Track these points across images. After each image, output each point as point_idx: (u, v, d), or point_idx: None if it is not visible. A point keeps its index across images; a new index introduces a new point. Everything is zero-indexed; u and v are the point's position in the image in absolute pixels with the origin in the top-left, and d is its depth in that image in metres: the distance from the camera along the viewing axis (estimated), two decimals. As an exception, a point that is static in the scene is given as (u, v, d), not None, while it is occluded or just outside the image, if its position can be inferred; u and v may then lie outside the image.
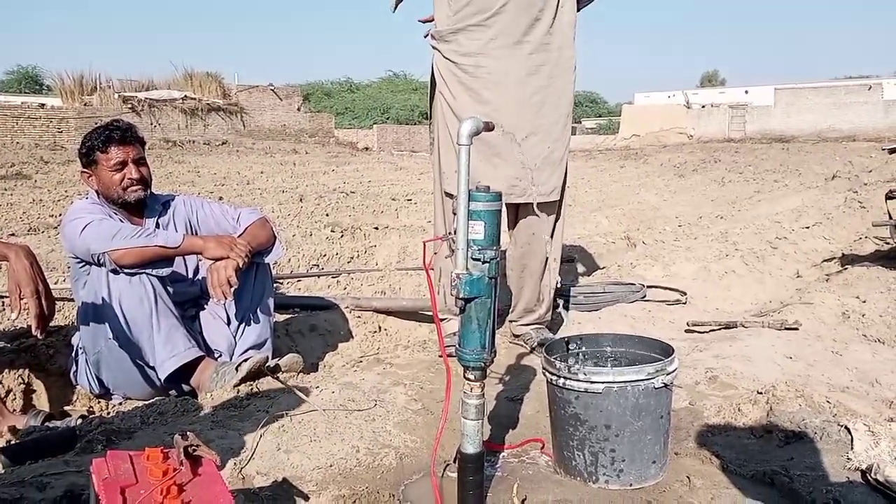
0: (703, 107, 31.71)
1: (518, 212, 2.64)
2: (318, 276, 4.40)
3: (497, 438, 2.00)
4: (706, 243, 5.01)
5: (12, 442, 1.99)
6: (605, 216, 7.05)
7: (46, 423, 2.19)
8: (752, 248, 4.78)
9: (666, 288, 3.64)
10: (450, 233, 1.66)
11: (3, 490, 1.65)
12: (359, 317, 3.55)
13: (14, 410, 2.40)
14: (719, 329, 3.00)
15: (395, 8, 2.63)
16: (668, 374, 1.72)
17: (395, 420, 2.12)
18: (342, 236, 6.04)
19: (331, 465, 1.81)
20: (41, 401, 2.60)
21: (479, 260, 1.58)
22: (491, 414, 2.15)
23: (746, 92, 33.91)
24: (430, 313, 3.47)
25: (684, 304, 3.44)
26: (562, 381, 1.73)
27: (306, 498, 1.64)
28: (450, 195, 2.56)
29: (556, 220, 2.72)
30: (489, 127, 1.73)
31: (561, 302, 2.88)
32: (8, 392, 2.57)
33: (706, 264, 4.25)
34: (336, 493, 1.66)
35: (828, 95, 29.42)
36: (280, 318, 3.29)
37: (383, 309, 3.65)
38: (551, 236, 2.71)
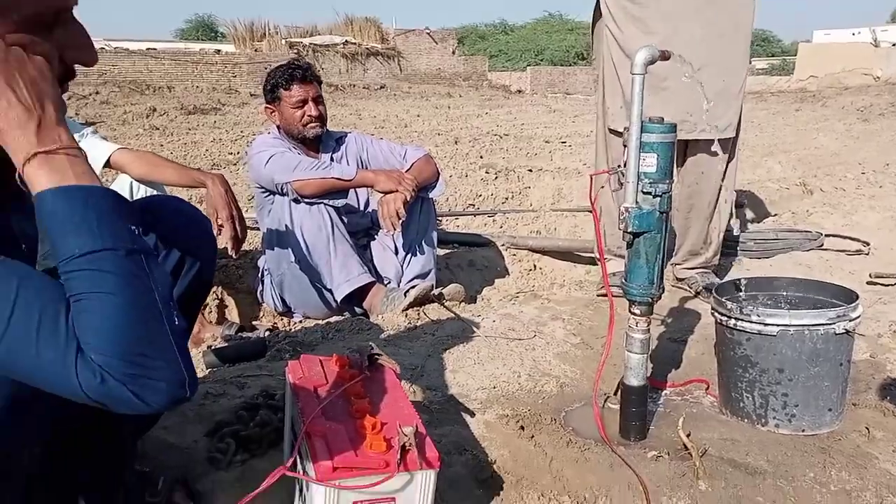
0: (894, 45, 28.37)
1: (687, 149, 2.54)
2: (475, 215, 4.48)
3: (659, 377, 2.00)
4: (893, 192, 4.57)
5: (215, 346, 2.23)
6: (778, 161, 6.59)
7: (239, 334, 2.44)
8: (948, 199, 4.31)
9: (846, 237, 3.38)
10: (619, 165, 1.64)
11: (209, 386, 1.88)
12: (514, 255, 3.61)
13: (211, 322, 2.69)
14: (907, 282, 2.77)
15: None
16: (850, 321, 1.62)
17: (554, 351, 2.17)
18: (496, 178, 6.08)
19: (494, 387, 1.89)
20: (232, 315, 2.89)
21: (649, 193, 1.56)
22: (653, 353, 2.13)
23: (948, 27, 29.90)
24: (586, 254, 3.46)
25: (867, 254, 3.19)
26: (732, 321, 1.69)
27: (472, 414, 1.73)
28: (614, 132, 2.51)
29: (730, 160, 2.60)
30: (665, 56, 1.67)
31: (730, 246, 2.77)
32: (204, 306, 2.87)
33: (893, 214, 3.89)
34: (500, 413, 1.74)
35: None
36: (440, 252, 3.41)
37: (539, 248, 3.67)
38: (723, 176, 2.59)
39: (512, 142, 8.59)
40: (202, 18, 44.51)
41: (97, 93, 11.59)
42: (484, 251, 3.58)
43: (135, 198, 2.26)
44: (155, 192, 2.27)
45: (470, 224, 4.25)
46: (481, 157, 7.26)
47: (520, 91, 21.72)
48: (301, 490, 1.25)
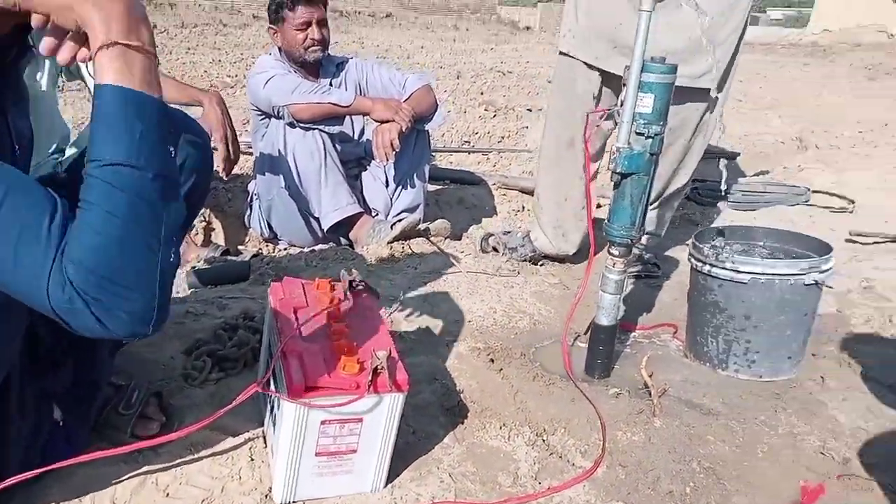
0: (915, 1, 27.71)
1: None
2: (470, 153, 4.48)
3: (630, 319, 2.06)
4: (887, 153, 4.57)
5: (199, 267, 2.28)
6: (779, 115, 6.54)
7: (223, 257, 2.48)
8: (941, 163, 4.32)
9: (832, 194, 3.41)
10: (615, 105, 1.64)
11: (191, 305, 1.94)
12: (504, 195, 3.63)
13: (197, 243, 2.72)
14: (884, 242, 2.81)
15: None
16: (821, 273, 1.67)
17: (532, 290, 2.22)
18: (495, 115, 6.04)
19: (470, 321, 1.95)
20: (218, 238, 2.92)
21: (642, 134, 1.56)
22: (627, 297, 2.19)
23: (972, -14, 29.15)
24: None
25: (851, 212, 3.23)
26: (707, 267, 1.74)
27: (446, 345, 1.79)
28: (565, 55, 2.21)
29: (703, 117, 2.17)
30: None
31: (716, 196, 2.76)
32: (191, 228, 2.91)
33: (883, 174, 3.91)
34: (472, 345, 1.80)
35: None
36: (431, 188, 3.43)
37: (529, 189, 3.68)
38: (690, 137, 2.19)
39: (515, 80, 8.48)
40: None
41: (95, 5, 11.33)
42: (475, 189, 3.60)
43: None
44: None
45: (464, 161, 4.26)
46: (482, 94, 7.18)
47: (528, 28, 21.27)
48: (272, 409, 1.31)
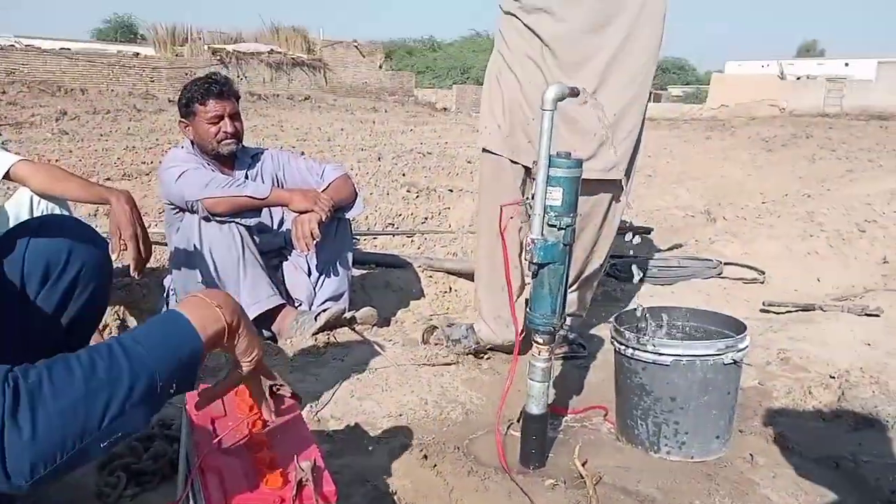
0: (799, 79, 30.17)
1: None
2: (394, 235, 4.49)
3: (561, 403, 2.05)
4: (790, 222, 4.84)
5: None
6: (686, 188, 6.90)
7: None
8: (838, 230, 4.59)
9: (744, 266, 3.57)
10: (527, 198, 1.69)
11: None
12: (430, 276, 3.63)
13: (111, 343, 2.59)
14: (796, 311, 2.94)
15: None
16: (738, 351, 1.72)
17: (463, 377, 2.19)
18: (417, 196, 6.12)
19: (400, 415, 1.89)
20: (135, 336, 2.79)
21: (555, 226, 1.61)
22: (557, 379, 2.19)
23: (846, 64, 32.06)
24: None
25: (762, 283, 3.37)
26: (630, 351, 1.76)
27: (377, 443, 1.73)
28: (488, 151, 2.25)
29: (610, 206, 2.24)
30: (574, 92, 1.72)
31: (633, 273, 2.82)
32: (105, 327, 2.76)
33: (788, 244, 4.13)
34: (404, 441, 1.75)
35: (937, 71, 27.50)
36: (356, 273, 3.40)
37: (455, 270, 3.71)
38: (600, 225, 2.26)
39: (435, 160, 8.66)
40: (121, 19, 43.05)
41: (3, 93, 11.05)
42: (401, 272, 3.58)
43: (35, 213, 2.16)
44: (56, 207, 2.18)
45: (388, 244, 4.26)
46: (403, 175, 7.29)
47: (445, 109, 21.92)
48: (193, 527, 1.22)
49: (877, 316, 2.86)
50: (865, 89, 28.34)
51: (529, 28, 2.13)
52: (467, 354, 2.36)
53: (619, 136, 2.14)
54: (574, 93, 1.71)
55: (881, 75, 28.45)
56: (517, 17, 2.16)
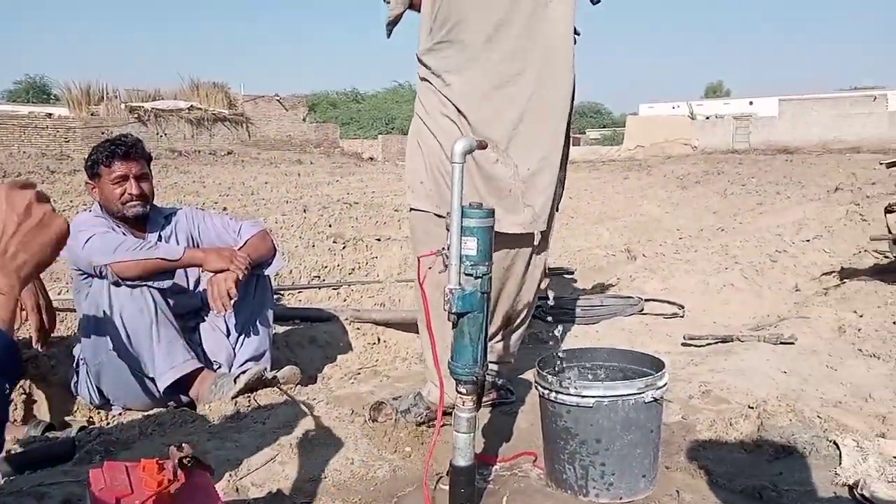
0: (708, 118, 31.76)
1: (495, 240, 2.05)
2: (319, 288, 4.43)
3: (490, 451, 2.02)
4: (706, 256, 5.03)
5: (13, 452, 2.01)
6: (607, 228, 7.08)
7: (46, 434, 2.22)
8: (751, 262, 4.80)
9: (664, 301, 3.66)
10: (443, 248, 1.69)
11: (1, 500, 1.69)
12: (358, 328, 3.58)
13: (15, 421, 2.43)
14: (715, 343, 3.02)
15: (389, 34, 2.41)
16: (658, 389, 1.74)
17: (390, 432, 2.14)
18: (344, 247, 6.08)
19: (325, 477, 1.83)
20: (42, 411, 2.63)
21: (471, 275, 1.62)
22: (485, 427, 2.17)
23: (751, 103, 33.99)
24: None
25: (682, 317, 3.46)
26: (553, 394, 1.76)
27: (300, 509, 1.66)
28: (415, 209, 2.25)
29: (532, 257, 2.24)
30: (482, 145, 1.75)
31: (558, 314, 2.86)
32: (9, 403, 2.60)
33: (705, 277, 4.27)
34: (329, 505, 1.68)
35: (832, 107, 29.48)
36: (280, 329, 3.32)
37: (382, 321, 3.67)
38: (522, 275, 2.25)
39: (362, 210, 8.65)
40: (33, 79, 41.99)
41: None
42: (326, 326, 3.52)
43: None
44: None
45: (314, 298, 4.19)
46: (330, 226, 7.24)
47: (371, 159, 22.05)
48: None
49: (791, 343, 2.97)
50: (770, 125, 30.08)
51: (440, 91, 2.16)
52: (420, 424, 2.18)
53: (536, 191, 2.15)
54: (482, 145, 1.74)
55: (783, 111, 30.26)
56: (429, 82, 2.20)
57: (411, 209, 2.26)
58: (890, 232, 4.42)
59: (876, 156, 18.40)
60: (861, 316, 3.38)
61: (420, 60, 2.23)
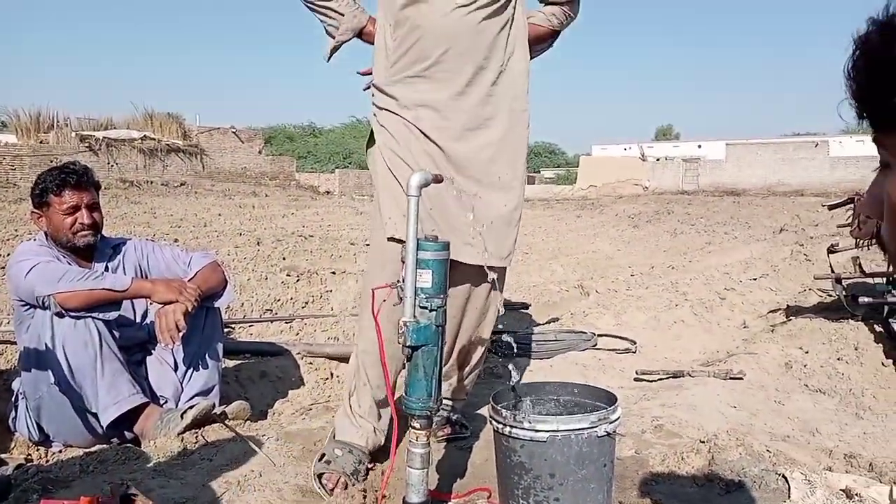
0: (658, 160, 32.61)
1: (455, 275, 2.07)
2: (271, 322, 4.36)
3: (444, 487, 2.00)
4: (657, 293, 5.12)
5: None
6: (561, 264, 7.16)
7: (-21, 472, 2.11)
8: (701, 299, 4.90)
9: (616, 336, 3.70)
10: (398, 281, 1.69)
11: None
12: (311, 363, 3.52)
13: (-54, 458, 2.31)
14: (667, 378, 3.06)
15: (329, 57, 2.40)
16: (610, 423, 1.74)
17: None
18: (298, 280, 6.00)
19: (274, 516, 1.78)
20: (-24, 448, 2.51)
21: (426, 308, 1.62)
22: (439, 462, 2.15)
23: (699, 146, 34.99)
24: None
25: (634, 352, 3.50)
26: (507, 429, 1.74)
27: (246, 549, 1.61)
28: (396, 240, 2.18)
29: (490, 293, 2.26)
30: (438, 179, 1.77)
31: (514, 349, 2.86)
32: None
33: (656, 313, 4.34)
34: (277, 545, 1.63)
35: (777, 151, 30.59)
36: (230, 363, 3.25)
37: (336, 355, 3.62)
38: (480, 310, 2.29)
39: (318, 243, 8.58)
40: (-21, 105, 40.87)
41: None
42: (278, 360, 3.46)
43: None
44: None
45: (265, 332, 4.12)
46: (284, 259, 7.15)
47: (328, 192, 21.99)
48: None
49: (740, 378, 3.03)
50: (718, 168, 31.02)
51: (412, 123, 2.16)
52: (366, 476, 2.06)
53: (508, 228, 2.23)
54: (438, 179, 1.75)
55: (730, 155, 31.27)
56: (394, 112, 2.19)
57: (388, 239, 2.18)
58: (833, 271, 4.57)
59: (818, 198, 19.13)
60: (807, 352, 3.47)
61: (381, 90, 2.23)
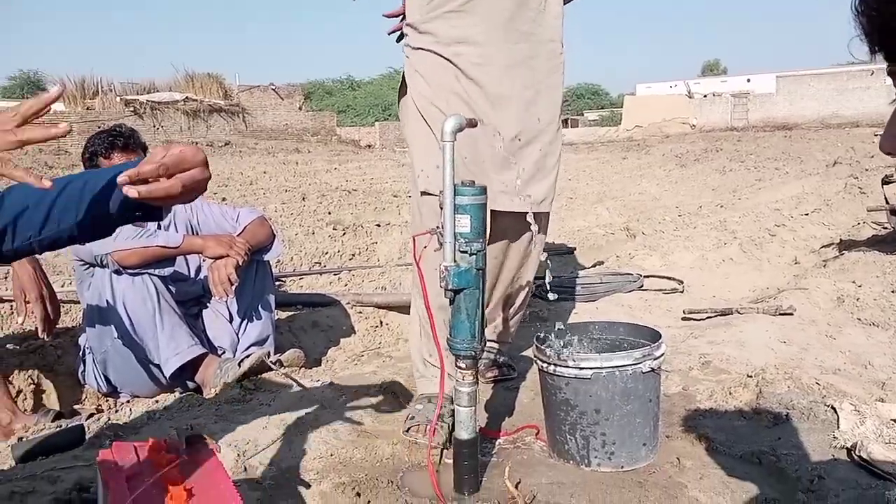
0: (705, 96, 31.61)
1: (494, 222, 2.15)
2: (321, 274, 4.45)
3: (493, 426, 2.05)
4: (705, 232, 5.04)
5: (25, 439, 2.05)
6: (606, 207, 7.09)
7: (56, 422, 2.25)
8: (750, 236, 4.81)
9: (663, 277, 3.68)
10: (438, 227, 1.71)
11: (16, 484, 1.72)
12: (360, 312, 3.61)
13: (25, 410, 2.46)
14: (715, 316, 3.04)
15: None
16: (655, 359, 1.76)
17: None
18: (344, 234, 6.09)
19: (331, 455, 1.86)
20: (51, 401, 2.66)
21: (466, 252, 1.63)
22: (487, 403, 2.20)
23: (748, 80, 33.76)
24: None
25: (681, 292, 3.48)
26: (552, 367, 1.78)
27: (307, 486, 1.69)
28: (428, 194, 2.17)
29: (532, 237, 2.24)
30: (472, 123, 1.76)
31: (559, 293, 2.87)
32: (18, 393, 2.63)
33: (704, 253, 4.29)
34: (336, 481, 1.71)
35: (830, 82, 29.34)
36: (283, 315, 3.35)
37: (384, 304, 3.70)
38: (522, 254, 2.27)
39: (361, 196, 8.66)
40: (27, 75, 41.78)
41: None
42: (329, 310, 3.55)
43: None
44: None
45: (315, 284, 4.21)
46: (329, 213, 7.25)
47: (369, 146, 22.00)
48: None
49: (790, 314, 2.99)
50: (768, 102, 29.96)
51: (450, 60, 2.11)
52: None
53: (543, 172, 2.18)
54: (472, 123, 1.74)
55: (780, 88, 30.14)
56: (434, 52, 2.13)
57: (423, 194, 2.16)
58: (887, 202, 4.43)
59: (875, 129, 18.36)
60: (860, 286, 3.40)
61: (417, 29, 2.16)
